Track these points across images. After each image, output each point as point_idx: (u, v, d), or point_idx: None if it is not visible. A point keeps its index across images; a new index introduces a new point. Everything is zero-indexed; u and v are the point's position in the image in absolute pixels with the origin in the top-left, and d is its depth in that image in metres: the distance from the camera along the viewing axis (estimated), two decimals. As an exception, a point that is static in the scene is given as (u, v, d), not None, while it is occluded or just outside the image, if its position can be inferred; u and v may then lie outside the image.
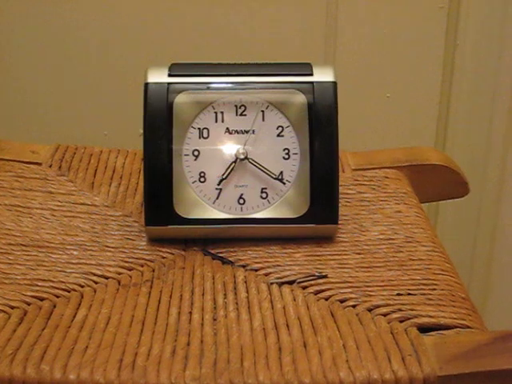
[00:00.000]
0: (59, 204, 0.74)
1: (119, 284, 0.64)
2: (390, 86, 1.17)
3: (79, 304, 0.61)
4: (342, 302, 0.62)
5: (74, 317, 0.59)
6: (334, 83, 0.69)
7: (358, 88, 1.16)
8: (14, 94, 1.17)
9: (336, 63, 0.71)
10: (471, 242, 1.25)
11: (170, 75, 0.69)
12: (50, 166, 0.80)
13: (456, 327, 0.60)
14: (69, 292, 0.63)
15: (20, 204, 0.74)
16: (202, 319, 0.59)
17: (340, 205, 0.70)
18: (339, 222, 0.70)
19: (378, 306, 0.61)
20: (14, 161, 0.81)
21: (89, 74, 1.16)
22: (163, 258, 0.68)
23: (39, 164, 0.81)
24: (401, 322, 0.60)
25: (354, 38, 1.15)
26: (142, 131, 0.69)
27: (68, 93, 1.17)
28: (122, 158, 0.83)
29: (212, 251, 0.69)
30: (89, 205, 0.75)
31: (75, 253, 0.67)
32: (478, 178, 1.18)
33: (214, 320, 0.60)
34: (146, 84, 0.69)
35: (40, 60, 1.16)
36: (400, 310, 0.61)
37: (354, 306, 0.62)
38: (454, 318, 0.60)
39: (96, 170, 0.80)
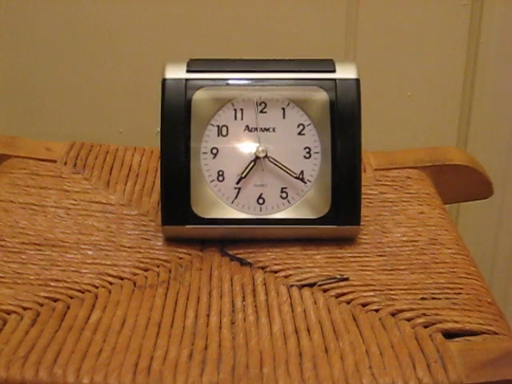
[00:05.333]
0: (74, 202, 0.73)
1: (135, 285, 0.62)
2: (411, 85, 1.15)
3: (93, 305, 0.60)
4: (364, 305, 0.60)
5: (88, 318, 0.58)
6: (357, 80, 0.68)
7: (378, 86, 1.14)
8: (29, 90, 1.16)
9: (356, 61, 0.69)
10: (492, 244, 1.23)
11: (188, 71, 0.68)
12: (65, 164, 0.79)
13: (483, 333, 0.58)
14: (83, 293, 0.61)
15: (34, 202, 0.72)
16: (220, 322, 0.58)
17: (362, 205, 0.69)
18: (361, 224, 0.68)
19: (402, 311, 0.59)
20: (29, 158, 0.80)
21: (104, 71, 1.15)
22: (180, 258, 0.66)
23: (54, 161, 0.79)
24: (425, 327, 0.58)
25: (375, 36, 1.13)
26: (158, 129, 0.67)
27: (83, 89, 1.16)
28: (138, 156, 0.81)
29: (230, 252, 0.67)
30: (104, 203, 0.73)
31: (90, 252, 0.66)
32: (499, 179, 1.16)
33: (233, 323, 0.58)
34: (164, 80, 0.67)
35: (55, 57, 1.15)
36: (424, 314, 0.59)
37: (376, 311, 0.60)
38: (481, 324, 0.59)
39: (112, 168, 0.79)
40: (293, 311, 0.59)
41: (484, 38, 1.14)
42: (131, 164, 0.80)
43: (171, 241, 0.68)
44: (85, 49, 1.14)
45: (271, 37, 1.12)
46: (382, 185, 0.77)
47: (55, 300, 0.60)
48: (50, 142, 0.82)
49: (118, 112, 1.17)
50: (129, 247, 0.67)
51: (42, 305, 0.59)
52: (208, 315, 0.59)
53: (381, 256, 0.67)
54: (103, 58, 1.14)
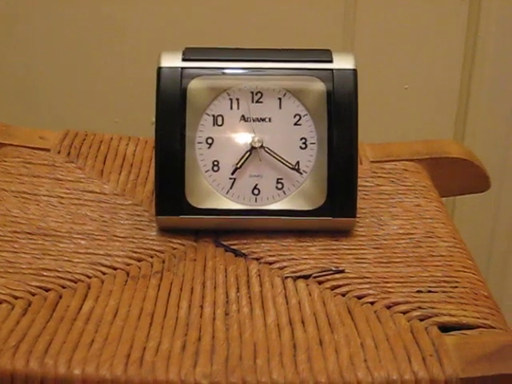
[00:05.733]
0: (67, 191, 0.72)
1: (128, 275, 0.62)
2: (409, 78, 1.15)
3: (86, 295, 0.59)
4: (359, 298, 0.60)
5: (80, 309, 0.57)
6: (355, 71, 0.67)
7: (375, 79, 1.14)
8: (24, 79, 1.15)
9: (354, 53, 0.69)
10: (489, 238, 1.23)
11: (183, 60, 0.67)
12: (59, 153, 0.78)
13: (479, 327, 0.57)
14: (75, 283, 0.61)
15: (27, 191, 0.72)
16: (214, 314, 0.57)
17: (358, 197, 0.68)
18: (356, 216, 0.68)
19: (398, 304, 0.59)
20: (23, 146, 0.79)
21: (100, 60, 1.14)
22: (174, 249, 0.66)
23: (48, 150, 0.79)
24: (421, 320, 0.57)
25: (373, 29, 1.13)
26: (154, 119, 0.66)
27: (78, 78, 1.15)
28: (132, 146, 0.81)
29: (224, 243, 0.66)
30: (98, 193, 0.72)
31: (83, 242, 0.65)
32: (496, 173, 1.15)
33: (226, 315, 0.57)
34: (159, 68, 0.67)
35: (51, 46, 1.14)
36: (420, 307, 0.58)
37: (372, 303, 0.59)
38: (477, 318, 0.58)
39: (106, 158, 0.78)
40: (287, 303, 0.59)
41: (482, 31, 1.13)
42: (125, 154, 0.79)
43: (165, 231, 0.67)
44: (80, 38, 1.14)
45: (268, 28, 1.11)
46: (379, 177, 0.77)
47: (47, 289, 0.59)
48: (44, 130, 0.81)
49: (113, 101, 1.16)
50: (122, 237, 0.66)
51: (33, 294, 0.59)
52: (202, 306, 0.58)
53: (377, 248, 0.66)
54: (99, 47, 1.14)
